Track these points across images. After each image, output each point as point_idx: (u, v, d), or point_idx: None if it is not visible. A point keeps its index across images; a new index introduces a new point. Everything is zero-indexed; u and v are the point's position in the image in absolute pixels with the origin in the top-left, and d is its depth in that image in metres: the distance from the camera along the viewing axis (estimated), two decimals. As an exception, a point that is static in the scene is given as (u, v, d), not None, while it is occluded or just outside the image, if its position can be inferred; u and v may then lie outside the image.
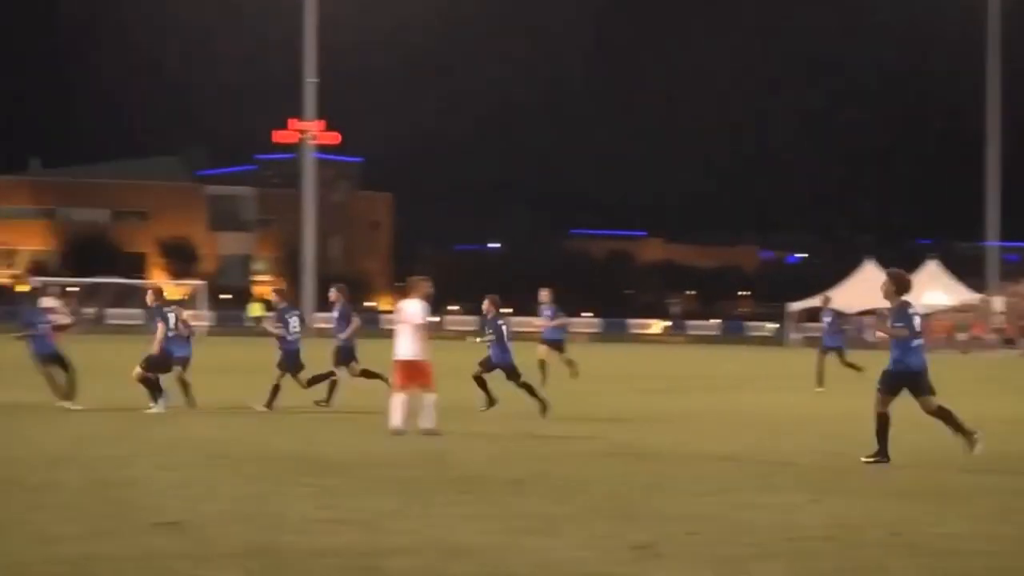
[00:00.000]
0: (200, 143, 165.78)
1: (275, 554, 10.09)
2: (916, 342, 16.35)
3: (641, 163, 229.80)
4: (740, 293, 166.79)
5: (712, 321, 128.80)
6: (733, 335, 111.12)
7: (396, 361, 19.47)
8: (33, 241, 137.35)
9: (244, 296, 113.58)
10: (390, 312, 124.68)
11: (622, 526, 11.56)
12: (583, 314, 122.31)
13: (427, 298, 19.77)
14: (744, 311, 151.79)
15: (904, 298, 16.64)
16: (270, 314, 25.83)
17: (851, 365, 33.70)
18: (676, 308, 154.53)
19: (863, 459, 16.37)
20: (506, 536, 10.99)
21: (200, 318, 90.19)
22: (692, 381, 38.55)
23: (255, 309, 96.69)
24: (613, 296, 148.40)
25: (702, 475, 15.34)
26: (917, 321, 16.47)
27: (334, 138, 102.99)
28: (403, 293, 20.08)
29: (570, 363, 33.85)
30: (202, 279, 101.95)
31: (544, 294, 34.05)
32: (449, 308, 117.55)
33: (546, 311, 34.10)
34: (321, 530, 11.14)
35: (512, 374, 23.50)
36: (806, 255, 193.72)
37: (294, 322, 24.23)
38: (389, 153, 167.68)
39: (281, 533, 10.92)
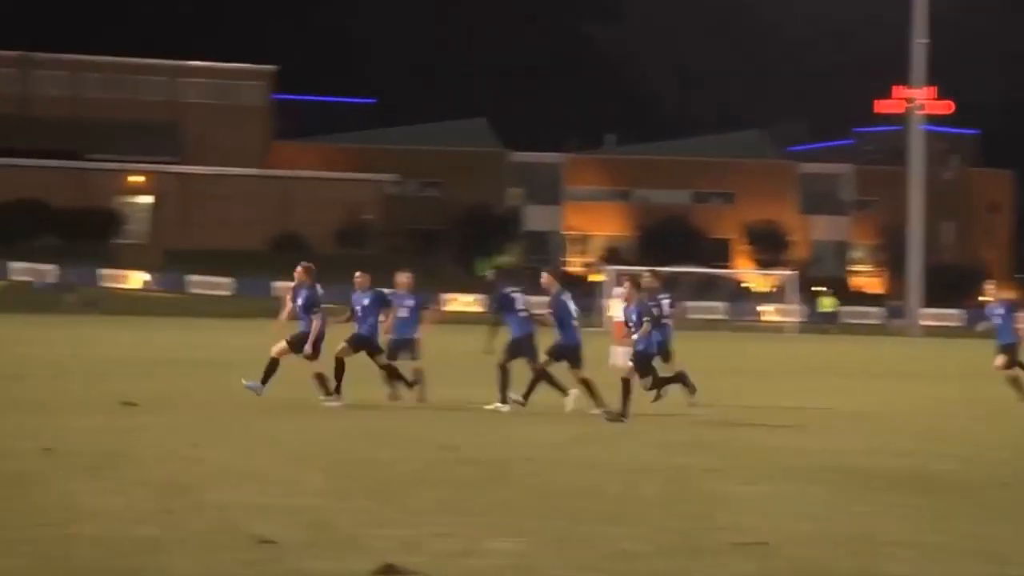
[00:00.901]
0: (793, 116, 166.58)
1: (874, 584, 10.00)
2: None
3: None
4: None
5: None
6: None
7: None
8: (607, 226, 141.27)
9: (838, 288, 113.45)
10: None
11: None
12: None
13: None
14: None
15: None
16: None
17: None
18: None
19: None
20: None
21: (791, 312, 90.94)
22: None
23: (826, 303, 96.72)
24: None
25: None
26: None
27: (946, 107, 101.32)
28: None
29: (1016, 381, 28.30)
30: (792, 268, 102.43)
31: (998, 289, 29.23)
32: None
33: (996, 310, 28.62)
34: (932, 558, 10.95)
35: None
36: None
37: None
38: (1011, 124, 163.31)
39: (881, 560, 10.80)
